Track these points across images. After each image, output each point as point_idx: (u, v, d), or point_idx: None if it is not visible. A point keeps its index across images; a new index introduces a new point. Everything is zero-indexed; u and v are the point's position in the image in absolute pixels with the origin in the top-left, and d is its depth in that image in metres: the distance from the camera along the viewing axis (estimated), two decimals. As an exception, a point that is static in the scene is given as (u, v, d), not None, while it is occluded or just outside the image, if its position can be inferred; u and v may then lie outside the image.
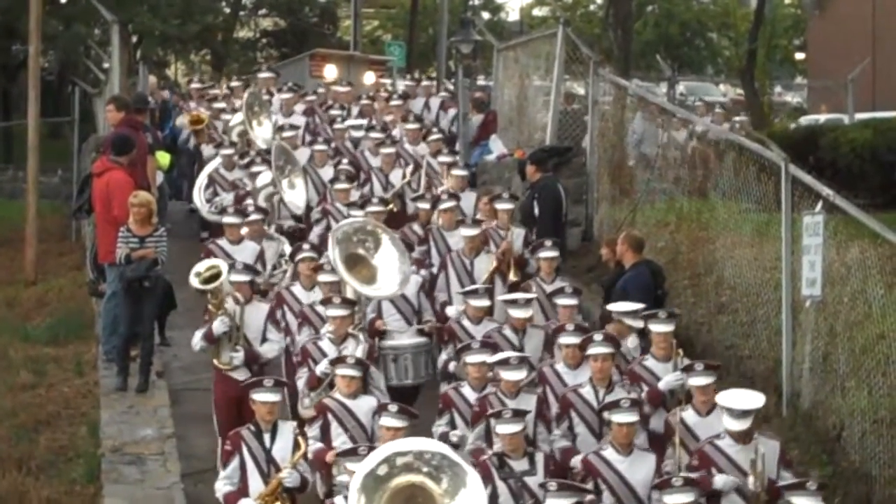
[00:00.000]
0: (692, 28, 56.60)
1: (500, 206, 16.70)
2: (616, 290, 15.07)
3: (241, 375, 13.91)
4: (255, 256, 16.51)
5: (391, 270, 14.55)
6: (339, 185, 18.22)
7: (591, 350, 12.83)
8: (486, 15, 56.33)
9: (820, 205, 13.87)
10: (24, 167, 26.07)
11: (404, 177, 19.18)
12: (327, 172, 19.43)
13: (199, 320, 18.40)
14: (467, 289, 15.01)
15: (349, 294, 14.15)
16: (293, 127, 21.04)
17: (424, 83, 25.73)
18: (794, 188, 14.42)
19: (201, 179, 19.87)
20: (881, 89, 33.87)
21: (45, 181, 27.29)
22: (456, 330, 14.45)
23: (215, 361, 14.39)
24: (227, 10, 51.18)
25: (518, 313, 14.16)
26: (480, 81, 30.21)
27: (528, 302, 14.34)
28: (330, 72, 28.56)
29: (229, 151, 19.92)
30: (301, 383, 13.80)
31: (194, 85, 27.98)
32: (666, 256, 16.96)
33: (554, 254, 15.49)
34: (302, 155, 19.72)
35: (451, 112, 23.40)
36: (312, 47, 36.65)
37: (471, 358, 13.06)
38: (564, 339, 13.29)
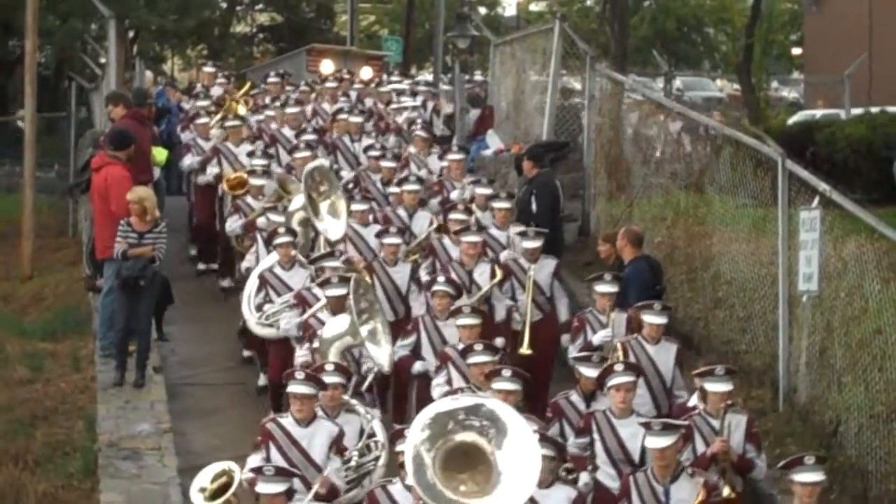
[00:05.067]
0: (689, 23, 56.55)
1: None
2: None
3: None
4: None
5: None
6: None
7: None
8: (482, 10, 56.25)
9: (816, 200, 13.88)
10: (20, 162, 26.04)
11: (431, 224, 16.97)
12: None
13: (195, 315, 18.56)
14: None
15: None
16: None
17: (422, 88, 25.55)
18: (790, 183, 14.43)
19: (251, 284, 15.72)
20: (877, 85, 33.85)
21: (41, 176, 27.26)
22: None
23: None
24: (224, 5, 51.09)
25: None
26: (477, 76, 30.18)
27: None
28: (326, 66, 28.55)
29: (286, 240, 15.55)
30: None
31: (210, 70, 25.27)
32: (663, 251, 16.97)
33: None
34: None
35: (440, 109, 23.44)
36: (309, 42, 36.56)
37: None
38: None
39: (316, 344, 13.36)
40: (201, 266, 20.11)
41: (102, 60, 29.94)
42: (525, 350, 14.57)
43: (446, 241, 16.11)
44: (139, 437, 14.76)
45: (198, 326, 18.39)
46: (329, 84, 23.21)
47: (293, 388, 11.59)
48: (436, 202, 17.70)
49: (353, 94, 23.01)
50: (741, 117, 24.48)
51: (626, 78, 21.13)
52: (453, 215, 16.27)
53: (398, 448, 10.61)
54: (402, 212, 17.17)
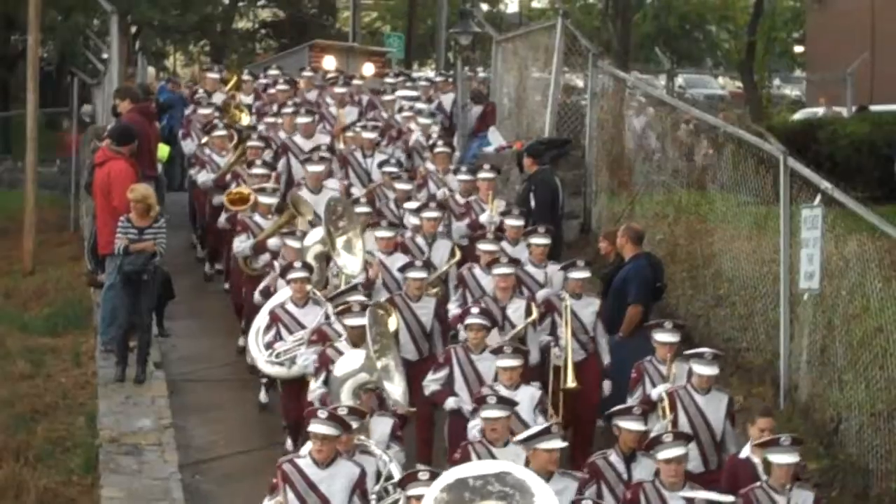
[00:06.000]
0: (691, 20, 56.47)
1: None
2: (615, 282, 15.09)
3: None
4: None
5: None
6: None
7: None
8: (485, 6, 56.15)
9: (818, 198, 13.87)
10: (22, 157, 26.05)
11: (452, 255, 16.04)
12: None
13: (196, 311, 18.56)
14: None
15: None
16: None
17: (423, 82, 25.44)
18: (792, 181, 14.43)
19: (260, 319, 14.95)
20: (880, 83, 33.82)
21: (43, 171, 27.26)
22: None
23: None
24: (227, 1, 51.09)
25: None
26: (480, 73, 30.15)
27: None
28: (329, 63, 28.53)
29: (302, 275, 14.66)
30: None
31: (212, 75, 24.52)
32: (664, 249, 16.96)
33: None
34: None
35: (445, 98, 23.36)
36: (311, 38, 36.57)
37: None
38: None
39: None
40: (208, 269, 19.80)
41: (105, 56, 29.96)
42: (571, 384, 13.76)
43: (477, 270, 15.03)
44: (140, 432, 14.77)
45: (199, 322, 18.40)
46: (338, 90, 21.92)
47: (315, 427, 10.68)
48: (464, 225, 16.84)
49: (364, 98, 22.22)
50: (743, 115, 24.43)
51: (628, 75, 21.11)
52: (483, 245, 15.18)
53: (410, 492, 10.06)
54: (420, 240, 16.06)
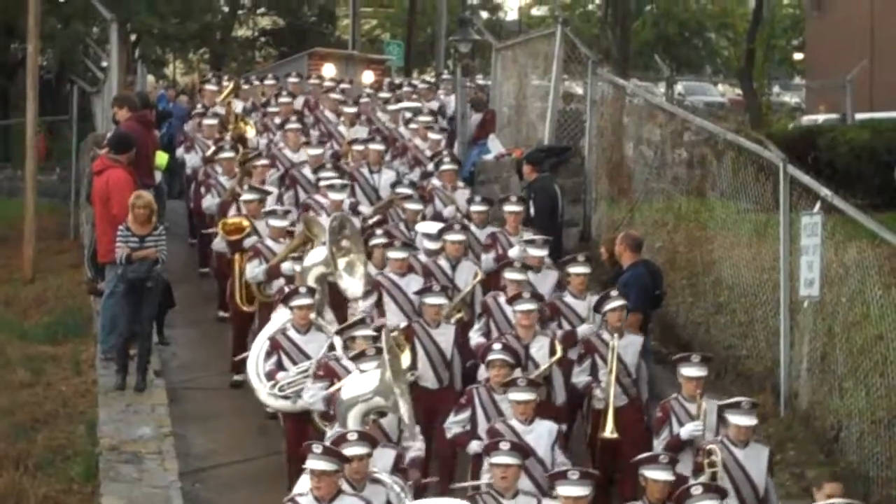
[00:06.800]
0: (691, 28, 56.57)
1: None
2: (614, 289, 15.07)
3: None
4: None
5: None
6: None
7: None
8: (484, 14, 56.31)
9: (818, 205, 13.87)
10: (22, 165, 26.08)
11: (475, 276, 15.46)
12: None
13: (197, 319, 18.54)
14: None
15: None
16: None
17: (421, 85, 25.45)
18: (792, 188, 14.43)
19: (259, 343, 14.25)
20: (879, 90, 33.84)
21: (43, 179, 27.29)
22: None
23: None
24: (226, 9, 51.20)
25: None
26: (479, 81, 30.18)
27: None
28: (328, 70, 28.57)
29: (306, 301, 13.92)
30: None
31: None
32: (664, 256, 16.96)
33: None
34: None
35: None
36: (311, 46, 36.66)
37: None
38: None
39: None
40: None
41: (104, 64, 29.99)
42: (610, 434, 12.91)
43: (503, 299, 14.25)
44: (140, 440, 14.74)
45: (199, 330, 18.39)
46: (335, 96, 22.00)
47: (311, 463, 10.27)
48: (490, 258, 15.94)
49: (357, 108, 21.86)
50: (743, 122, 24.46)
51: (627, 83, 21.13)
52: (509, 274, 14.42)
53: None
54: (443, 262, 15.42)
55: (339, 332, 13.34)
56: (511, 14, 61.00)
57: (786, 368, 14.33)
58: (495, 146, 22.09)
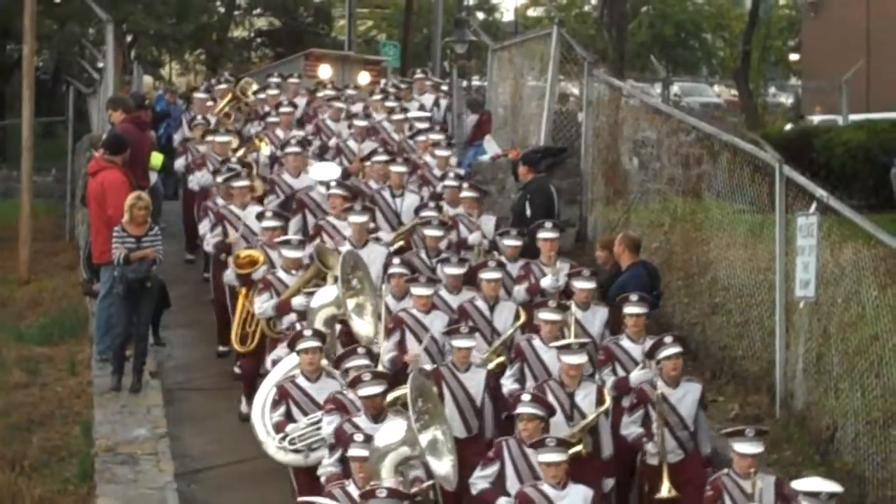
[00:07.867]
0: (687, 29, 56.62)
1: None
2: (612, 290, 15.05)
3: None
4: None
5: None
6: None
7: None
8: (480, 15, 56.35)
9: (814, 206, 13.87)
10: (18, 166, 26.06)
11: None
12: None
13: (192, 320, 18.53)
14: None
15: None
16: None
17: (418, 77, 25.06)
18: (788, 189, 14.43)
19: (265, 390, 13.18)
20: (875, 91, 33.90)
21: (39, 181, 27.27)
22: None
23: None
24: (222, 10, 51.10)
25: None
26: (475, 82, 30.21)
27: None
28: (324, 71, 28.55)
29: (314, 345, 12.85)
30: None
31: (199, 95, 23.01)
32: (660, 257, 16.95)
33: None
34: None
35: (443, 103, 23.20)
36: (307, 47, 36.62)
37: None
38: None
39: (356, 451, 11.04)
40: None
41: (100, 65, 29.90)
42: (667, 494, 12.11)
43: (537, 342, 13.25)
44: (136, 441, 14.75)
45: (194, 331, 18.37)
46: (358, 122, 20.17)
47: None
48: (523, 289, 14.86)
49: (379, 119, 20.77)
50: (739, 123, 24.48)
51: (623, 83, 21.13)
52: (545, 315, 13.30)
53: None
54: (481, 303, 14.18)
55: (335, 365, 12.83)
56: (507, 15, 61.06)
57: (781, 369, 14.33)
58: (491, 147, 22.10)
